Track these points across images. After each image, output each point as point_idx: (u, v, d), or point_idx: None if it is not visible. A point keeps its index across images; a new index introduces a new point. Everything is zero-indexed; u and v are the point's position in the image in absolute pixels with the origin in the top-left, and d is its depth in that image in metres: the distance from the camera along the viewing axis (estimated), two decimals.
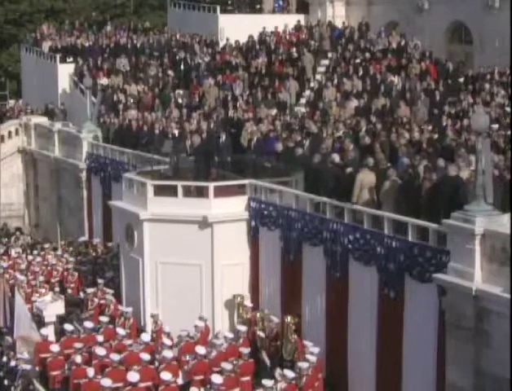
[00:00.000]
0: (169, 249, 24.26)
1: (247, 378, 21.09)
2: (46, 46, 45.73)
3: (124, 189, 26.32)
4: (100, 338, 22.74)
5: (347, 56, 38.11)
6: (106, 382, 19.97)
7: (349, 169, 21.55)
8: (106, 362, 21.24)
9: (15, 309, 24.26)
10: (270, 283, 23.86)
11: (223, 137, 27.35)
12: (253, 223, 24.16)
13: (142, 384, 20.28)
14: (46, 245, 33.99)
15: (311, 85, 37.20)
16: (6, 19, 63.55)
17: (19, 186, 41.42)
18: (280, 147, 25.78)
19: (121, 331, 23.21)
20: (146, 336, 23.03)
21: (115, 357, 21.10)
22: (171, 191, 24.59)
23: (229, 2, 46.09)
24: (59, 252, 33.19)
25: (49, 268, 30.34)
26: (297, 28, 42.85)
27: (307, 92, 36.68)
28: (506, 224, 17.02)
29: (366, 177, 20.80)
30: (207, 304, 24.17)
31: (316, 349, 20.98)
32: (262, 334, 22.90)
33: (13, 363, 22.57)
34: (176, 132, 30.91)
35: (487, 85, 31.95)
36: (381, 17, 43.13)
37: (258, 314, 23.38)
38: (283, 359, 22.21)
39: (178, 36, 44.66)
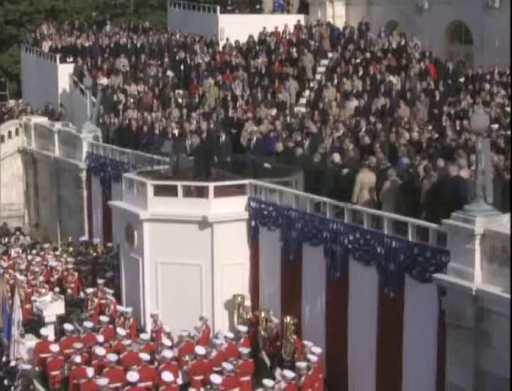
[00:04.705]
0: (169, 249, 24.26)
1: (247, 378, 21.10)
2: (46, 46, 45.71)
3: (124, 189, 26.33)
4: (100, 338, 22.76)
5: (347, 56, 38.10)
6: (102, 381, 19.97)
7: (345, 170, 21.55)
8: (106, 363, 21.25)
9: (14, 311, 24.19)
10: (270, 283, 23.86)
11: (223, 137, 27.34)
12: (253, 223, 24.16)
13: (142, 384, 20.31)
14: (46, 245, 34.03)
15: (311, 85, 37.18)
16: (6, 20, 63.50)
17: (19, 186, 41.43)
18: (280, 147, 25.77)
19: (120, 331, 23.22)
20: (145, 335, 23.08)
21: (113, 357, 21.12)
22: (171, 191, 24.59)
23: (229, 2, 46.07)
24: (59, 252, 33.21)
25: (48, 268, 30.36)
26: (298, 28, 42.84)
27: (307, 92, 36.66)
28: (506, 224, 17.00)
29: (366, 177, 20.80)
30: (207, 304, 24.17)
31: (317, 350, 20.99)
32: (265, 334, 22.90)
33: (13, 363, 22.57)
34: (176, 132, 30.91)
35: (487, 85, 31.96)
36: (381, 17, 43.13)
37: (262, 314, 23.35)
38: (283, 359, 22.21)
39: (178, 36, 44.66)
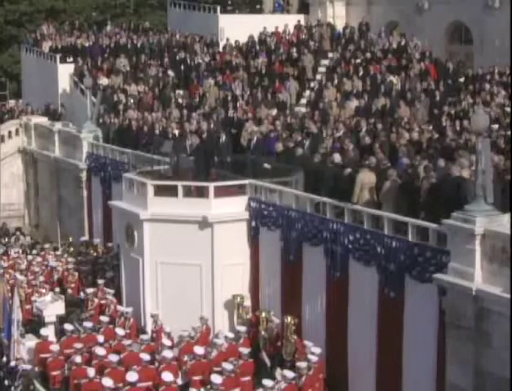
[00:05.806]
0: (169, 249, 24.26)
1: (247, 378, 21.10)
2: (46, 46, 45.70)
3: (124, 189, 26.34)
4: (100, 338, 22.76)
5: (347, 56, 38.11)
6: (107, 382, 19.97)
7: (347, 170, 21.56)
8: (106, 363, 21.24)
9: (14, 311, 24.17)
10: (270, 283, 23.86)
11: (223, 137, 27.33)
12: (253, 223, 24.16)
13: (142, 384, 20.31)
14: (46, 245, 34.04)
15: (311, 85, 37.19)
16: (6, 20, 63.53)
17: (19, 186, 41.42)
18: (280, 147, 25.78)
19: (120, 331, 23.22)
20: (145, 335, 23.07)
21: (114, 357, 21.11)
22: (171, 191, 24.59)
23: (229, 2, 46.08)
24: (59, 252, 33.22)
25: (49, 268, 30.36)
26: (298, 28, 42.84)
27: (307, 92, 36.68)
28: (506, 224, 17.00)
29: (366, 177, 20.80)
30: (207, 304, 24.17)
31: (318, 350, 20.99)
32: (265, 334, 22.88)
33: (13, 363, 22.56)
34: (176, 132, 30.92)
35: (487, 85, 31.97)
36: (381, 17, 43.13)
37: (263, 314, 23.34)
38: (283, 359, 22.21)
39: (178, 36, 44.67)
